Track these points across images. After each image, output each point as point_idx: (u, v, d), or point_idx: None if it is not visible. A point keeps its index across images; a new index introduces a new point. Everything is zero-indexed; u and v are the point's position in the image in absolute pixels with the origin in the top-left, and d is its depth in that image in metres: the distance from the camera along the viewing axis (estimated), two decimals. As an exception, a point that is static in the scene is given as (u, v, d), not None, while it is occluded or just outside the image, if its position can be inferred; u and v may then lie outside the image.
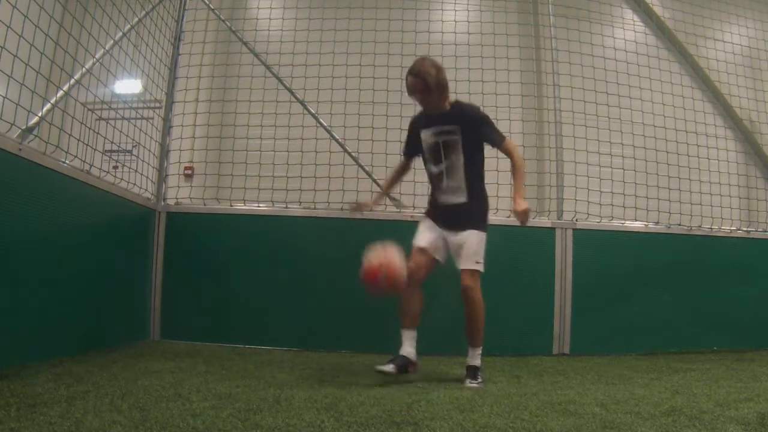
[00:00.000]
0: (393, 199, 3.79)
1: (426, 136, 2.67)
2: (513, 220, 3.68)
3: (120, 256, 3.20)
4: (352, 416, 1.64)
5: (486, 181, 3.34)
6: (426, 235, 2.63)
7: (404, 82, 2.59)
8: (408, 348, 2.52)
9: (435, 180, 2.69)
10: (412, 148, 2.82)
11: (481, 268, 2.60)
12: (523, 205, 2.54)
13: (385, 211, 3.74)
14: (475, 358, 2.57)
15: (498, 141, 2.63)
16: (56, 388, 1.83)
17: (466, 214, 2.61)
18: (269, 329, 3.53)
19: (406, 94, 2.65)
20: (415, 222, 2.80)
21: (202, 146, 4.56)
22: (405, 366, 2.48)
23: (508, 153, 2.65)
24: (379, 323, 3.49)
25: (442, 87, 2.55)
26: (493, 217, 3.68)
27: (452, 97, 2.67)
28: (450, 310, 3.56)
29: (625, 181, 4.07)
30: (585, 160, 4.03)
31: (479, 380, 2.48)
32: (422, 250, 2.60)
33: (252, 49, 4.09)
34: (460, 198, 2.62)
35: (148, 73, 3.59)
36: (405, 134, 2.85)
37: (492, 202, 3.70)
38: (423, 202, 3.17)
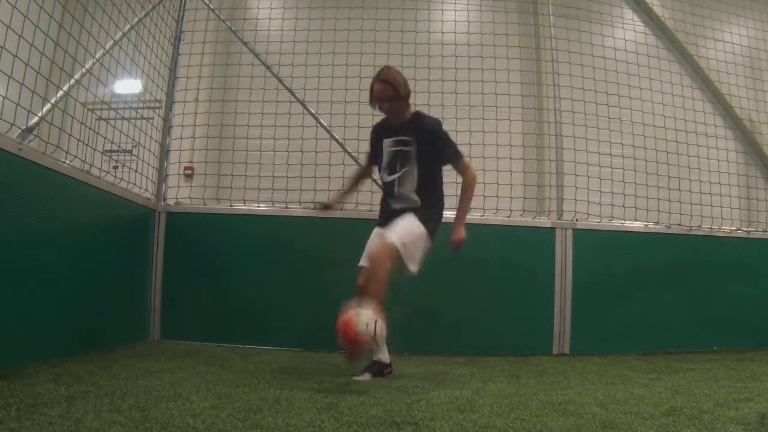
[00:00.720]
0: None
1: (387, 144, 2.66)
2: (513, 220, 3.72)
3: (120, 256, 3.20)
4: (352, 416, 1.64)
5: (480, 180, 3.32)
6: (367, 251, 2.59)
7: (370, 91, 2.58)
8: (381, 354, 2.49)
9: (387, 188, 2.67)
10: (375, 155, 2.78)
11: (400, 247, 2.39)
12: (460, 234, 2.54)
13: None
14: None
15: (452, 158, 2.61)
16: (56, 388, 1.83)
17: (410, 210, 2.56)
18: (269, 329, 3.53)
19: (369, 104, 2.65)
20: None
21: (202, 146, 4.56)
22: (381, 371, 2.47)
23: (462, 172, 2.63)
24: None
25: (408, 96, 2.58)
26: (493, 217, 3.70)
27: (413, 108, 2.67)
28: (450, 309, 3.58)
29: (625, 181, 4.07)
30: (585, 160, 4.03)
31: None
32: (361, 268, 2.57)
33: (252, 49, 4.09)
34: (403, 204, 2.60)
35: (148, 73, 3.59)
36: (370, 141, 2.83)
37: (492, 202, 3.74)
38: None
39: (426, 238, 2.53)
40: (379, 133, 2.74)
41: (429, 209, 2.60)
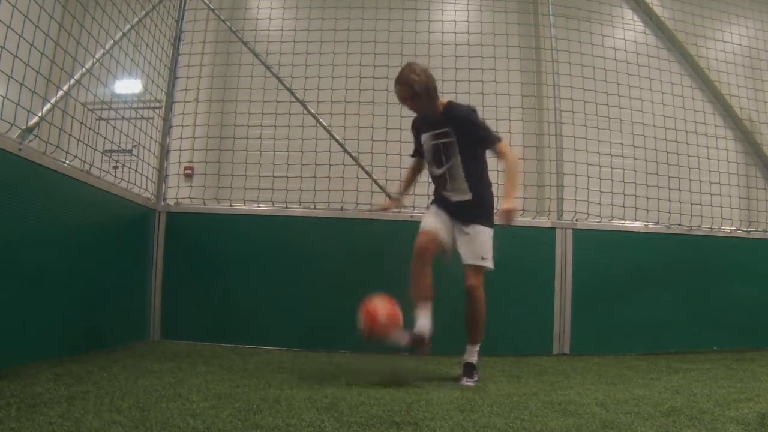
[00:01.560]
0: (393, 199, 3.80)
1: (425, 139, 2.69)
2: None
3: (120, 256, 3.20)
4: (352, 416, 1.64)
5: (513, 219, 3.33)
6: (431, 220, 2.62)
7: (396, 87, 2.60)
8: (423, 321, 2.46)
9: (438, 181, 2.71)
10: (419, 148, 2.84)
11: (488, 264, 2.61)
12: (509, 203, 2.52)
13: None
14: (473, 355, 2.58)
15: (489, 142, 2.63)
16: (56, 388, 1.83)
17: (473, 208, 2.63)
18: (269, 329, 3.53)
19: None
20: (415, 222, 2.79)
21: (202, 146, 4.56)
22: (420, 341, 2.43)
23: (502, 155, 2.64)
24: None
25: (430, 91, 2.53)
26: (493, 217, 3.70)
27: (445, 98, 2.66)
28: (450, 309, 3.56)
29: (625, 181, 4.07)
30: (585, 160, 4.03)
31: (475, 378, 2.49)
32: (426, 232, 2.57)
33: (252, 49, 4.09)
34: (465, 196, 2.63)
35: (148, 73, 3.59)
36: (406, 134, 2.89)
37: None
38: (422, 202, 3.17)
39: (492, 234, 2.65)
40: (417, 129, 2.77)
41: (484, 204, 2.67)
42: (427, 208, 2.79)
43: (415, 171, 2.99)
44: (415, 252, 2.51)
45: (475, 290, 2.56)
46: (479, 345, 2.61)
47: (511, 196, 2.57)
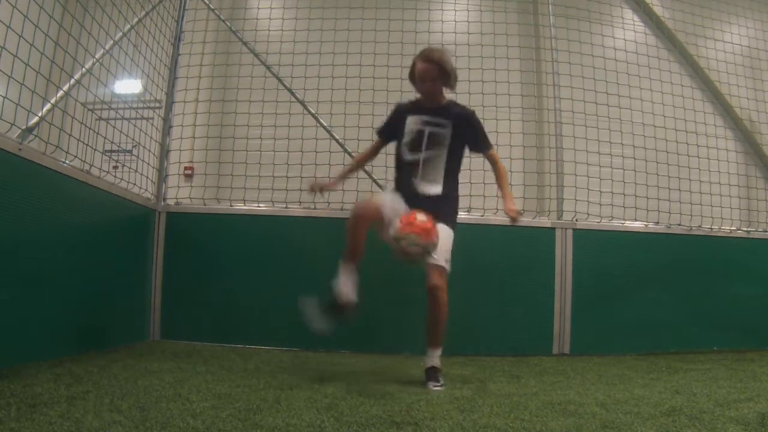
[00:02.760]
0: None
1: (412, 121, 2.64)
2: (513, 220, 3.71)
3: (120, 256, 3.20)
4: (352, 416, 1.64)
5: (481, 180, 3.33)
6: (386, 196, 2.54)
7: (411, 68, 2.58)
8: (345, 280, 2.40)
9: (406, 167, 2.63)
10: (391, 132, 2.77)
11: (448, 267, 2.50)
12: (514, 205, 2.57)
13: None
14: (435, 359, 2.46)
15: (485, 147, 2.67)
16: (56, 388, 1.83)
17: (439, 205, 2.55)
18: (269, 329, 3.53)
19: (408, 79, 2.64)
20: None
21: (202, 146, 4.56)
22: (343, 312, 2.39)
23: (494, 161, 2.67)
24: (379, 323, 3.50)
25: (451, 79, 2.58)
26: (493, 217, 3.70)
27: (447, 96, 2.70)
28: (450, 309, 3.56)
29: (625, 181, 4.07)
30: (585, 160, 4.03)
31: (441, 382, 2.37)
32: (372, 201, 2.50)
33: (252, 49, 4.09)
34: (435, 190, 2.59)
35: (148, 73, 3.59)
36: (389, 115, 2.81)
37: (492, 202, 3.73)
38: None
39: (453, 236, 2.60)
40: (404, 111, 2.71)
41: (452, 203, 2.66)
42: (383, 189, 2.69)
43: (373, 153, 2.92)
44: (356, 209, 2.44)
45: (441, 292, 2.42)
46: (440, 349, 2.49)
47: (511, 199, 2.60)
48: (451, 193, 2.64)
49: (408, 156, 2.62)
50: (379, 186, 3.83)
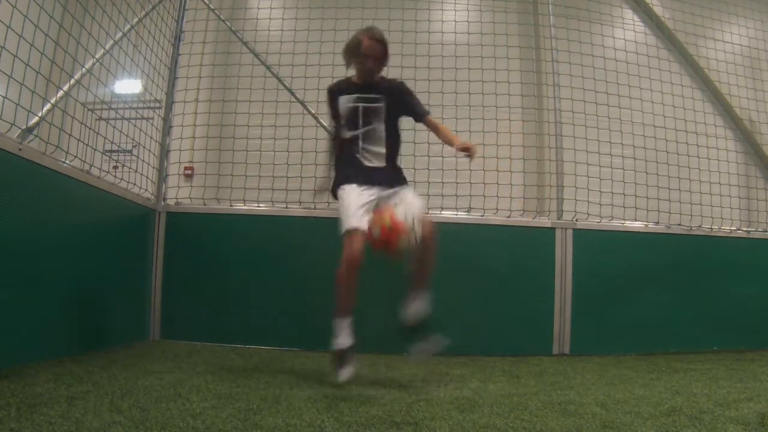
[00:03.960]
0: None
1: (345, 101, 2.66)
2: (513, 220, 3.72)
3: (120, 256, 3.20)
4: (352, 416, 1.64)
5: (480, 180, 3.33)
6: (358, 212, 2.41)
7: (367, 41, 2.54)
8: (346, 338, 2.39)
9: (348, 144, 2.63)
10: (338, 114, 2.75)
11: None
12: (463, 141, 2.44)
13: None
14: (426, 301, 2.45)
15: (422, 113, 2.67)
16: (56, 388, 1.83)
17: (389, 176, 2.58)
18: (269, 329, 3.53)
19: (345, 53, 2.63)
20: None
21: (202, 146, 4.56)
22: (348, 357, 2.36)
23: (434, 124, 2.66)
24: (379, 323, 3.50)
25: (389, 59, 2.64)
26: (493, 217, 3.71)
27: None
28: (450, 309, 3.57)
29: (625, 181, 4.07)
30: (585, 160, 4.03)
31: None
32: (358, 234, 2.36)
33: (252, 49, 4.09)
34: (380, 163, 2.60)
35: (148, 73, 3.59)
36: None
37: (492, 202, 3.74)
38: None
39: None
40: (334, 92, 2.73)
41: (401, 173, 2.69)
42: (339, 187, 2.58)
43: (336, 150, 2.85)
44: (347, 259, 2.33)
45: (434, 239, 2.42)
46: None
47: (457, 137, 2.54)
48: (395, 165, 2.67)
49: (347, 134, 2.64)
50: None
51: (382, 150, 2.61)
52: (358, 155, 2.60)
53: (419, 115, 2.68)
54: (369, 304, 3.59)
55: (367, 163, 2.59)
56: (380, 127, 2.61)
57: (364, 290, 3.51)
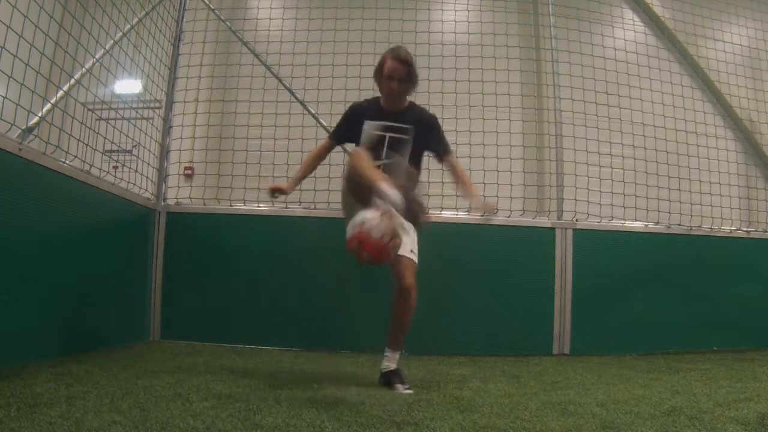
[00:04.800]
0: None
1: (371, 127, 2.50)
2: (513, 220, 3.72)
3: (120, 256, 3.20)
4: (352, 416, 1.64)
5: (480, 180, 3.32)
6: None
7: (390, 62, 2.42)
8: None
9: None
10: (347, 135, 2.65)
11: (416, 259, 2.39)
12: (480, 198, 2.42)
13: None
14: (395, 361, 2.35)
15: (446, 150, 2.59)
16: (56, 388, 1.83)
17: (406, 211, 2.42)
18: (269, 329, 3.53)
19: (374, 76, 2.51)
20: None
21: (202, 146, 4.56)
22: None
23: (453, 165, 2.58)
24: (379, 323, 3.49)
25: (416, 81, 2.49)
26: (493, 217, 3.70)
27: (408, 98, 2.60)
28: (450, 309, 3.57)
29: (625, 181, 4.07)
30: (585, 160, 4.03)
31: (407, 384, 2.25)
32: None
33: (252, 49, 4.09)
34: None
35: (148, 73, 3.59)
36: (343, 117, 2.68)
37: (491, 203, 3.73)
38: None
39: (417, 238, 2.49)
40: (360, 113, 2.58)
41: (419, 215, 2.52)
42: (344, 203, 2.56)
43: (323, 155, 2.76)
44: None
45: (414, 291, 2.32)
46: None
47: (477, 190, 2.50)
48: (412, 200, 2.46)
49: None
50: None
51: (401, 183, 2.43)
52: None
53: (442, 153, 2.57)
54: (369, 305, 3.59)
55: None
56: (403, 159, 2.47)
57: (363, 290, 3.53)
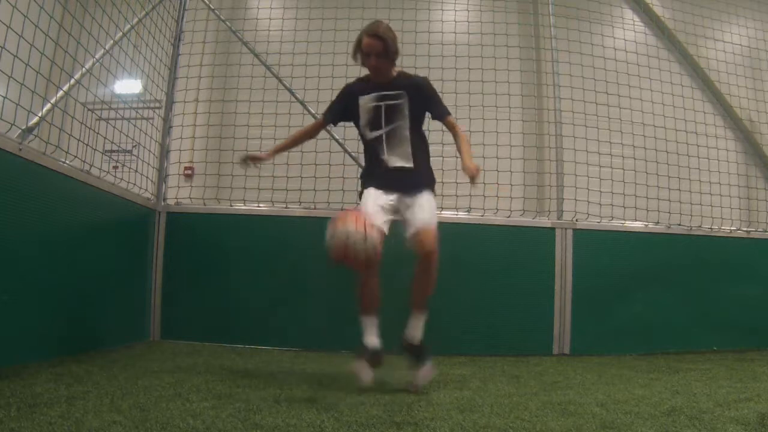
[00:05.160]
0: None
1: (365, 101, 2.55)
2: (513, 220, 3.72)
3: (120, 256, 3.20)
4: (352, 416, 1.64)
5: (481, 181, 3.31)
6: (376, 217, 2.35)
7: (364, 39, 2.47)
8: (375, 338, 2.36)
9: (373, 145, 2.56)
10: (337, 114, 2.68)
11: (433, 227, 2.38)
12: (474, 163, 2.39)
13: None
14: (419, 329, 2.36)
15: (443, 113, 2.58)
16: (56, 388, 1.83)
17: (416, 176, 2.50)
18: (269, 329, 3.53)
19: (353, 55, 2.55)
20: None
21: (202, 146, 4.56)
22: (378, 360, 2.34)
23: (452, 126, 2.57)
24: (379, 323, 3.50)
25: (397, 53, 2.51)
26: (493, 217, 3.71)
27: (397, 69, 2.61)
28: (450, 309, 3.57)
29: (625, 181, 4.07)
30: (585, 160, 4.03)
31: (430, 363, 2.28)
32: (376, 228, 2.27)
33: (252, 49, 4.09)
34: (407, 163, 2.51)
35: (148, 73, 3.59)
36: (337, 96, 2.72)
37: (492, 202, 3.74)
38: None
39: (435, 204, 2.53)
40: (353, 92, 2.62)
41: (428, 174, 2.57)
42: (360, 193, 2.56)
43: (311, 133, 2.80)
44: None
45: (436, 255, 2.32)
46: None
47: (471, 157, 2.48)
48: (422, 164, 2.55)
49: (370, 135, 2.56)
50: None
51: (408, 149, 2.51)
52: (383, 156, 2.51)
53: (439, 113, 2.58)
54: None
55: (393, 164, 2.50)
56: (404, 125, 2.51)
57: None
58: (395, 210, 2.46)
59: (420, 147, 2.57)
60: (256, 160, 2.77)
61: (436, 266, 2.35)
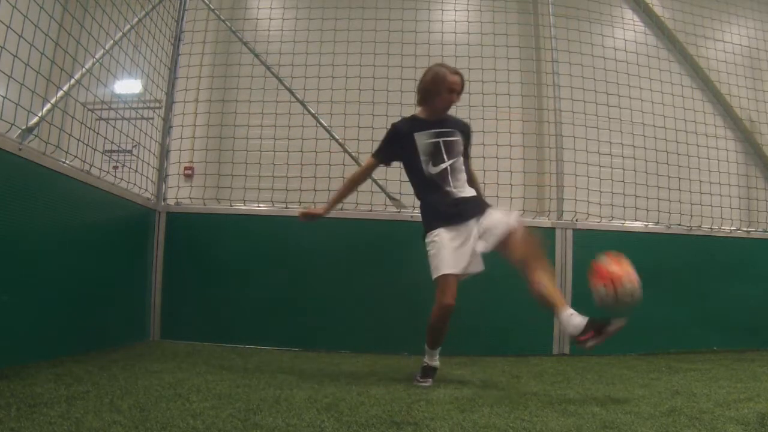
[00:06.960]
0: (393, 199, 3.78)
1: (422, 137, 2.61)
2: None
3: (120, 256, 3.20)
4: (352, 416, 1.64)
5: (480, 180, 3.34)
6: (453, 260, 2.49)
7: (451, 77, 2.57)
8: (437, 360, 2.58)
9: (434, 179, 2.59)
10: (392, 155, 2.74)
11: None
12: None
13: (385, 210, 3.74)
14: (577, 314, 2.52)
15: (469, 156, 2.79)
16: (56, 388, 1.83)
17: (481, 201, 2.66)
18: (269, 329, 3.53)
19: (430, 88, 2.62)
20: (415, 222, 2.78)
21: (202, 146, 4.56)
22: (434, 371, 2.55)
23: (471, 171, 2.78)
24: (379, 323, 3.50)
25: None
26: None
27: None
28: (454, 309, 3.55)
29: (625, 181, 4.07)
30: (585, 160, 4.03)
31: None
32: (452, 284, 2.49)
33: (252, 49, 4.09)
34: (469, 192, 2.64)
35: (148, 73, 3.59)
36: (386, 138, 2.74)
37: (492, 202, 3.73)
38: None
39: None
40: (407, 130, 2.65)
41: (483, 198, 2.74)
42: (428, 233, 2.57)
43: (366, 175, 2.85)
44: (442, 306, 2.44)
45: (530, 240, 2.57)
46: None
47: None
48: (478, 193, 2.73)
49: (433, 170, 2.59)
50: (380, 187, 3.82)
51: (466, 180, 2.65)
52: (449, 188, 2.58)
53: (468, 155, 2.76)
54: (369, 305, 3.59)
55: (460, 194, 2.59)
56: (460, 159, 2.64)
57: (366, 292, 3.52)
58: (480, 236, 2.57)
59: (471, 181, 2.73)
60: (314, 216, 2.83)
61: (536, 243, 2.54)
